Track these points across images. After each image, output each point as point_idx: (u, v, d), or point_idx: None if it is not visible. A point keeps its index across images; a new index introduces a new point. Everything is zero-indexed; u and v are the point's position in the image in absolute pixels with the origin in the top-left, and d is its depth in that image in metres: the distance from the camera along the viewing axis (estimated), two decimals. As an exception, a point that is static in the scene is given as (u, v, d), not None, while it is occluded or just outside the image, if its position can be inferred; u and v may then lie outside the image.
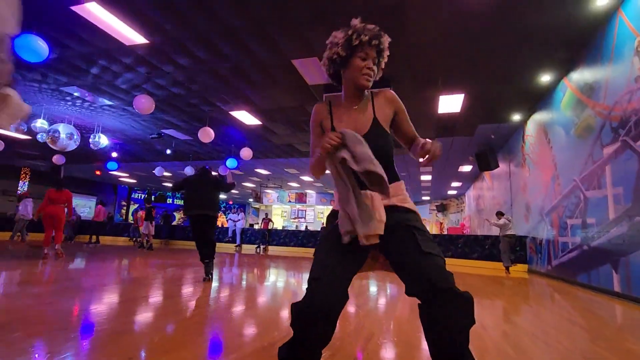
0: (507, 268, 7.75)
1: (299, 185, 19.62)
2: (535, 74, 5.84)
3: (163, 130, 9.56)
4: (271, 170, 15.22)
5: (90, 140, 8.72)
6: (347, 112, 1.32)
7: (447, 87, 6.30)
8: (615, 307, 3.64)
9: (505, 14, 4.33)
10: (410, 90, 6.49)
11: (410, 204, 1.25)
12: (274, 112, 7.95)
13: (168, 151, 10.91)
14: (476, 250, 9.50)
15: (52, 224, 6.11)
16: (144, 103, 6.02)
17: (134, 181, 20.12)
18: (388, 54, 1.32)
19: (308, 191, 21.63)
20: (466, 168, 12.79)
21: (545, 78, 5.94)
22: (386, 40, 1.30)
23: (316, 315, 1.07)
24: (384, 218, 1.16)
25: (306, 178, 16.80)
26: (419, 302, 1.06)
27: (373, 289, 4.38)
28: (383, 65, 1.34)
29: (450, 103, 6.85)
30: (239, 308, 2.83)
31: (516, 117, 7.71)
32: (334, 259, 1.16)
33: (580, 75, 5.17)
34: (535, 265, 7.64)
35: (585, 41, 4.85)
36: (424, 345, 2.04)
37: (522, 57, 5.30)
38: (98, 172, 16.47)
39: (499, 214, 8.10)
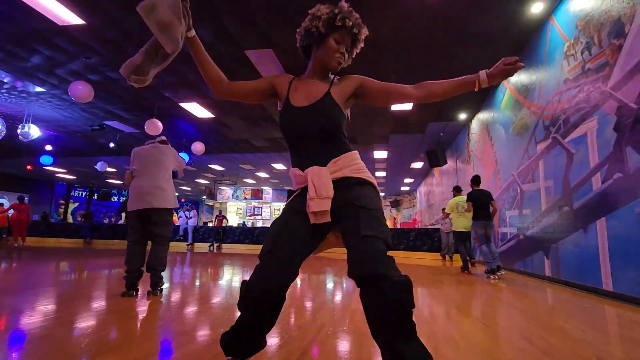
0: (446, 257, 8.84)
1: (254, 182, 19.27)
2: (479, 75, 6.19)
3: (105, 122, 8.86)
4: (226, 166, 14.78)
5: (19, 131, 7.84)
6: (303, 84, 1.32)
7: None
8: (547, 290, 3.98)
9: (451, 16, 4.54)
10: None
11: (365, 174, 1.22)
12: (228, 105, 7.69)
13: (112, 144, 10.14)
14: (426, 243, 9.95)
15: None
16: (82, 90, 5.52)
17: (74, 177, 18.50)
18: (362, 46, 1.33)
19: (264, 188, 21.33)
20: (418, 165, 13.33)
21: (488, 79, 6.32)
22: (364, 32, 1.29)
23: (265, 291, 1.07)
24: (331, 194, 1.14)
25: (262, 174, 16.53)
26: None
27: (330, 284, 4.40)
28: (354, 55, 1.35)
29: (403, 100, 7.07)
30: (188, 305, 2.68)
31: (462, 116, 8.16)
32: (288, 234, 1.15)
33: (518, 77, 5.57)
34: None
35: (523, 45, 5.23)
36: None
37: (466, 58, 5.59)
38: (29, 167, 14.90)
39: (445, 211, 9.04)
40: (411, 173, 15.32)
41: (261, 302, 1.09)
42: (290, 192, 1.33)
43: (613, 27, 3.33)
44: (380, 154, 11.83)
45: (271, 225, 1.23)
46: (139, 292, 2.99)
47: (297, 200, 1.24)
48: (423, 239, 10.08)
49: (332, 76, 1.35)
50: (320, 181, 1.15)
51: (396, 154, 11.73)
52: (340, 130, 1.25)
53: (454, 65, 5.77)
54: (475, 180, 5.42)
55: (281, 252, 1.12)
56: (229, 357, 1.18)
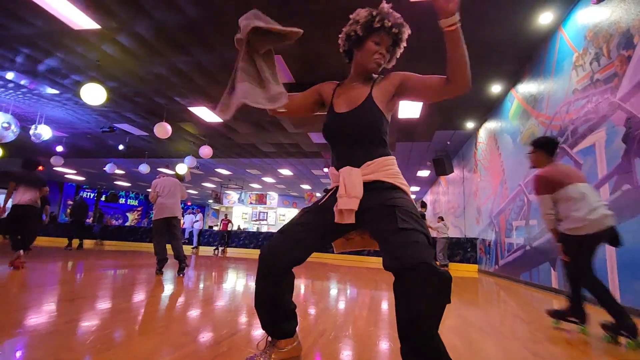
0: (443, 266, 8.24)
1: (260, 187, 19.34)
2: (486, 85, 6.20)
3: (115, 124, 9.01)
4: (232, 171, 14.88)
5: (31, 131, 8.01)
6: (346, 89, 1.36)
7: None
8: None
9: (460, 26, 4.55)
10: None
11: (398, 180, 1.24)
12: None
13: (121, 147, 10.29)
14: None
15: None
16: (93, 93, 5.63)
17: (83, 179, 18.77)
18: (405, 45, 1.33)
19: (270, 193, 21.40)
20: (424, 173, 13.29)
21: (496, 89, 6.32)
22: (406, 31, 1.29)
23: (271, 257, 1.21)
24: (359, 194, 1.18)
25: (268, 179, 16.60)
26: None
27: (333, 290, 4.39)
28: (398, 55, 1.35)
29: (410, 109, 7.09)
30: (188, 308, 2.70)
31: (470, 124, 8.14)
32: (303, 223, 1.27)
33: (526, 87, 5.56)
34: (484, 265, 8.08)
35: (531, 55, 5.23)
36: (374, 339, 2.06)
37: (475, 68, 5.57)
38: (41, 168, 15.15)
39: (439, 219, 9.21)
40: (417, 181, 15.27)
41: (268, 267, 1.21)
42: (326, 190, 1.40)
43: (622, 38, 3.32)
44: (386, 162, 11.81)
45: (297, 213, 1.36)
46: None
47: (328, 198, 1.31)
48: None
49: (375, 76, 1.36)
50: (351, 181, 1.19)
51: (402, 161, 11.72)
52: (378, 134, 1.27)
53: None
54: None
55: (290, 234, 1.24)
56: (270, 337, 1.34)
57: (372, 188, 1.20)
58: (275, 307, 1.27)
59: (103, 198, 21.82)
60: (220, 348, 1.68)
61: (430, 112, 7.40)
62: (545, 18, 4.38)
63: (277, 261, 1.21)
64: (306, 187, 18.26)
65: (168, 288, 3.60)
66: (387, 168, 1.25)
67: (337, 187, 1.27)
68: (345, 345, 1.87)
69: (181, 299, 3.05)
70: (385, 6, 1.26)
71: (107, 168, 12.13)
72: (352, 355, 1.72)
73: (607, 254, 3.43)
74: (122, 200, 22.96)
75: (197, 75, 6.18)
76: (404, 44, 1.32)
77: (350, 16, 1.32)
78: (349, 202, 1.17)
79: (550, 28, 4.58)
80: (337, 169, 1.28)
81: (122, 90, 6.96)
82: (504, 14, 4.33)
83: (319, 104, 1.44)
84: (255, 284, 1.27)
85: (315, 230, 1.26)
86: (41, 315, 2.16)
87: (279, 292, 1.27)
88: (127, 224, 20.90)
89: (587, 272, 2.23)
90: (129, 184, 19.99)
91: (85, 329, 1.94)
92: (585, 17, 3.94)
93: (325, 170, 12.28)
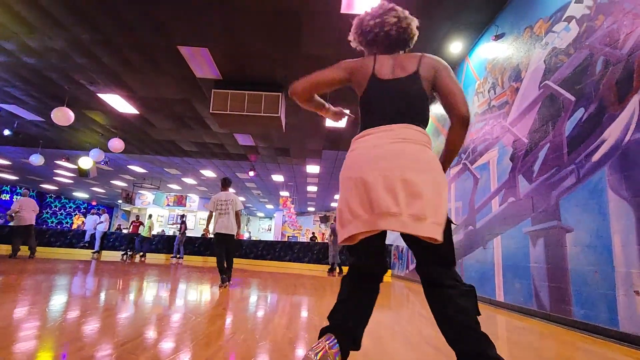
0: (335, 268, 8.74)
1: (180, 188, 18.11)
2: (406, 102, 6.71)
3: (1, 105, 7.62)
4: (148, 169, 13.67)
5: None
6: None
7: (335, 103, 6.71)
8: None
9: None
10: (301, 99, 6.70)
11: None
12: (154, 102, 7.17)
13: (6, 132, 8.73)
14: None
15: None
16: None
17: (-49, 168, 15.44)
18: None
19: (190, 195, 20.16)
20: (347, 182, 13.79)
21: (414, 107, 6.88)
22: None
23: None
24: None
25: (189, 180, 15.62)
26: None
27: (253, 297, 4.24)
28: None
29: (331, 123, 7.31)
30: (76, 318, 2.34)
31: (390, 138, 8.70)
32: None
33: (437, 108, 6.16)
34: (397, 270, 8.65)
35: (443, 80, 5.82)
36: (286, 341, 2.01)
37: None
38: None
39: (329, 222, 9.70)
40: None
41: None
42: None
43: (513, 71, 3.88)
44: (312, 169, 12.02)
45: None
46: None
47: None
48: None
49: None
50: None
51: (328, 169, 12.03)
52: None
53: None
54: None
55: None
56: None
57: None
58: None
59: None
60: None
61: (357, 123, 7.72)
62: (455, 47, 4.92)
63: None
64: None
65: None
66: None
67: None
68: (256, 347, 1.79)
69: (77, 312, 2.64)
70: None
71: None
72: (264, 357, 1.65)
73: (495, 258, 3.92)
74: (5, 197, 19.45)
75: (108, 56, 5.54)
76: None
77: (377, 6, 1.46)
78: None
79: (459, 56, 5.16)
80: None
81: (11, 63, 5.91)
82: (421, 40, 4.74)
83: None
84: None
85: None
86: None
87: None
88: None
89: None
90: (15, 178, 17.03)
91: None
92: (487, 50, 4.53)
93: (251, 174, 12.00)
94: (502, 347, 2.22)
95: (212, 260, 10.67)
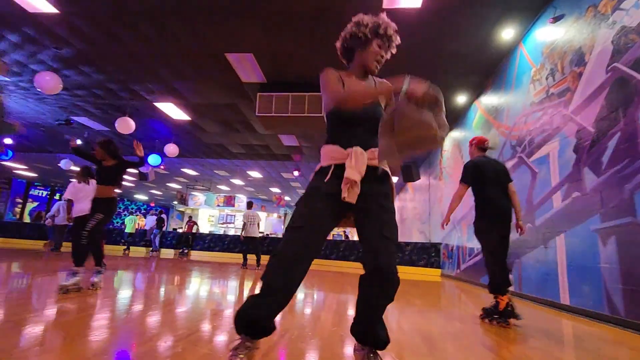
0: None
1: (229, 189, 18.93)
2: (452, 95, 6.45)
3: (73, 117, 8.49)
4: (199, 171, 14.46)
5: (-24, 120, 7.35)
6: (351, 82, 1.46)
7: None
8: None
9: (427, 37, 4.72)
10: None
11: (388, 169, 1.43)
12: (204, 108, 7.57)
13: (79, 142, 9.69)
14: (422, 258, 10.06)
15: None
16: (49, 81, 5.27)
17: (34, 175, 17.50)
18: (394, 52, 1.52)
19: (238, 195, 20.99)
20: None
21: (461, 99, 6.59)
22: (398, 42, 1.48)
23: (291, 262, 1.23)
24: (362, 171, 1.32)
25: (237, 181, 16.28)
26: (363, 273, 1.30)
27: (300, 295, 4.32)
28: (386, 59, 1.52)
29: (380, 114, 7.21)
30: (140, 310, 2.55)
31: (436, 133, 8.40)
32: (317, 215, 1.31)
33: (489, 99, 5.83)
34: (447, 269, 8.34)
35: (494, 69, 5.50)
36: (336, 337, 2.04)
37: (442, 78, 5.81)
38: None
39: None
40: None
41: (289, 270, 1.23)
42: (318, 172, 1.42)
43: (575, 55, 3.57)
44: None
45: (298, 204, 1.37)
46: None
47: (328, 183, 1.35)
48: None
49: (372, 77, 1.52)
50: (358, 159, 1.33)
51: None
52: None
53: (434, 82, 5.97)
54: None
55: (309, 231, 1.28)
56: (241, 335, 1.25)
57: (370, 174, 1.36)
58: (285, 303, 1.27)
59: (58, 197, 20.44)
60: (174, 349, 1.59)
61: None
62: (507, 33, 4.63)
63: (302, 259, 1.26)
64: (275, 190, 18.09)
65: (123, 290, 3.39)
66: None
67: (333, 172, 1.36)
68: (308, 344, 1.83)
69: (134, 301, 2.88)
70: (385, 16, 1.45)
71: (63, 164, 11.39)
72: (317, 353, 1.68)
73: (558, 257, 3.63)
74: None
75: (161, 67, 5.94)
76: (394, 51, 1.52)
77: (353, 18, 1.46)
78: (354, 173, 1.30)
79: (511, 43, 4.84)
80: (345, 148, 1.37)
81: (81, 80, 6.57)
82: (471, 27, 4.53)
83: None
84: (272, 280, 1.23)
85: (327, 221, 1.34)
86: None
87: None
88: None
89: None
90: (86, 182, 18.85)
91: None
92: (543, 34, 4.20)
93: (296, 173, 12.22)
94: (569, 354, 2.06)
95: (219, 255, 11.04)
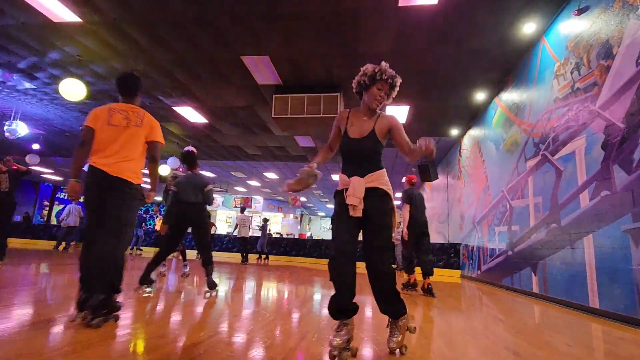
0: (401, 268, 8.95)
1: (245, 190, 19.12)
2: (471, 92, 6.30)
3: (96, 123, 8.73)
4: (217, 173, 14.67)
5: (6, 127, 7.69)
6: (358, 121, 1.89)
7: (394, 98, 6.55)
8: (534, 306, 3.96)
9: (446, 34, 4.63)
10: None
11: (387, 187, 1.81)
12: (221, 111, 7.66)
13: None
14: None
15: None
16: (72, 88, 5.44)
17: (60, 179, 18.15)
18: (398, 89, 1.90)
19: (255, 196, 21.18)
20: (409, 179, 13.39)
21: (480, 96, 6.44)
22: (398, 81, 1.87)
23: (336, 263, 1.69)
24: (361, 196, 1.73)
25: (253, 183, 16.43)
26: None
27: (317, 295, 4.32)
28: (393, 95, 1.91)
29: (397, 113, 7.14)
30: (165, 312, 2.59)
31: (454, 132, 8.26)
32: (345, 223, 1.76)
33: (509, 95, 5.67)
34: (467, 270, 8.15)
35: (514, 65, 5.35)
36: (356, 340, 2.01)
37: (461, 75, 5.69)
38: (15, 167, 14.56)
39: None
40: (402, 187, 15.36)
41: (341, 265, 1.69)
42: (337, 192, 1.88)
43: (602, 48, 3.42)
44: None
45: (332, 219, 1.84)
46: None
47: (344, 203, 1.78)
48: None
49: (378, 111, 1.91)
50: (357, 186, 1.75)
51: (388, 167, 11.79)
52: (377, 156, 1.86)
53: (450, 80, 5.87)
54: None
55: (342, 235, 1.74)
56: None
57: (371, 193, 1.76)
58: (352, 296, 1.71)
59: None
60: (195, 349, 1.60)
61: (416, 119, 7.48)
62: (528, 28, 4.49)
63: (345, 253, 1.71)
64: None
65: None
66: (381, 179, 1.81)
67: (345, 188, 1.79)
68: (326, 347, 1.81)
69: (157, 302, 2.93)
70: (384, 64, 1.84)
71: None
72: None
73: (587, 259, 3.49)
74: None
75: (181, 72, 6.05)
76: (397, 88, 1.88)
77: (361, 68, 1.87)
78: (353, 199, 1.73)
79: (533, 38, 4.70)
80: (348, 177, 1.81)
81: (103, 86, 6.76)
82: (490, 22, 4.41)
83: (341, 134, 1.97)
84: (332, 278, 1.69)
85: (353, 226, 1.77)
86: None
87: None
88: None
89: None
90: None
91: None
92: (567, 27, 4.05)
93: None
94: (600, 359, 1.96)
95: (237, 256, 11.08)
